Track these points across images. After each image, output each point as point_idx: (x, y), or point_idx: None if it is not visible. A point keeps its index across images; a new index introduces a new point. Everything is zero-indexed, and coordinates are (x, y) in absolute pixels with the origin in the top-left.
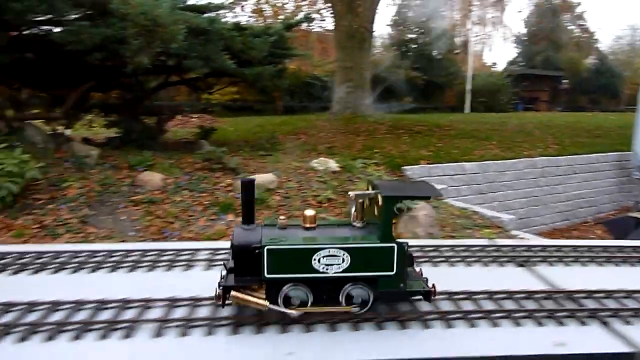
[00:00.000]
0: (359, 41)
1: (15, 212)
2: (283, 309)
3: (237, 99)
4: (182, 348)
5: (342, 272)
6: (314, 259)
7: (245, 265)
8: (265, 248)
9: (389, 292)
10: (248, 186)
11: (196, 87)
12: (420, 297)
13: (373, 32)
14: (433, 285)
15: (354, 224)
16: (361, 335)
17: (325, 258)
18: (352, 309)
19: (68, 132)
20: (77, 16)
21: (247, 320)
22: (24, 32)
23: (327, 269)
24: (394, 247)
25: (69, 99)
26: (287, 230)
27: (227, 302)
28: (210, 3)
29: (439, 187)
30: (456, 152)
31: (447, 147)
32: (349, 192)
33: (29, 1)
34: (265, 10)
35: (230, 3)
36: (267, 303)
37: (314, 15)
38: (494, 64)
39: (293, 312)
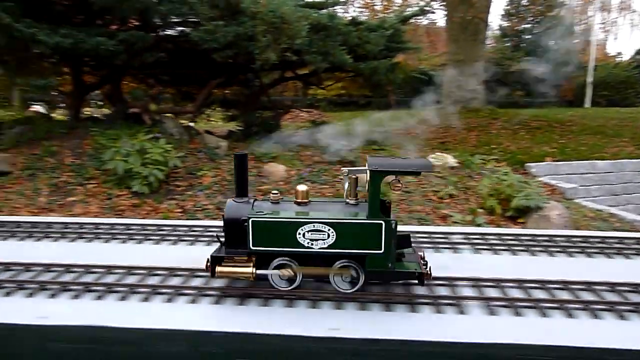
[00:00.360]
0: (472, 33)
1: (161, 197)
2: (270, 277)
3: (342, 94)
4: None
5: (328, 248)
6: (299, 233)
7: (234, 238)
8: (250, 220)
9: (377, 271)
10: (241, 160)
11: (308, 82)
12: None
13: (488, 23)
14: (429, 268)
15: (347, 200)
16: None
17: (310, 233)
18: (340, 288)
19: (192, 125)
20: (211, 16)
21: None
22: (161, 34)
23: (312, 244)
24: (381, 223)
25: (199, 95)
26: (279, 205)
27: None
28: None
29: (568, 186)
30: (584, 150)
31: (573, 143)
32: (342, 168)
33: (173, 4)
34: (374, 5)
35: None
36: (253, 271)
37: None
38: (619, 54)
39: (281, 282)
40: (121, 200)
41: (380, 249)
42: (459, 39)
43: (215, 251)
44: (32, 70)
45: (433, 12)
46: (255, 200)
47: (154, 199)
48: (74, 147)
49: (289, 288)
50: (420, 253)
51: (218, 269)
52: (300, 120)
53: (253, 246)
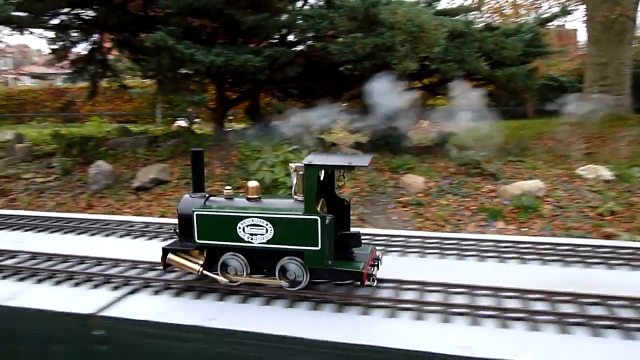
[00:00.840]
0: (617, 33)
1: None
2: (213, 275)
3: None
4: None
5: (267, 243)
6: (239, 228)
7: (185, 230)
8: (195, 213)
9: (316, 269)
10: (197, 156)
11: (435, 92)
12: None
13: (636, 21)
14: (372, 269)
15: (295, 197)
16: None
17: (249, 227)
18: (282, 284)
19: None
20: (349, 29)
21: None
22: (296, 49)
23: (251, 239)
24: (316, 219)
25: (331, 107)
26: (231, 201)
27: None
28: (461, 6)
29: None
30: None
31: None
32: (289, 164)
33: (313, 19)
34: (503, 9)
35: (477, 4)
36: (199, 268)
37: (558, 9)
38: None
39: (223, 280)
40: None
41: (317, 246)
42: (601, 39)
43: (170, 244)
44: (181, 88)
45: (571, 13)
46: (211, 195)
47: None
48: (222, 159)
49: (235, 284)
50: (378, 254)
51: (170, 256)
52: (421, 130)
53: (198, 239)
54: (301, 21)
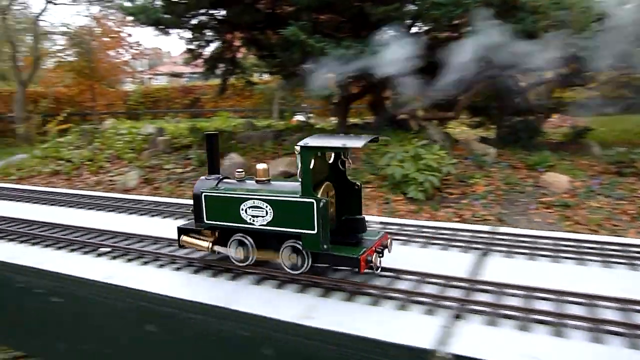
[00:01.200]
0: None
1: (436, 204)
2: (222, 250)
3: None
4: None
5: (267, 225)
6: (242, 209)
7: (197, 211)
8: (203, 194)
9: (313, 253)
10: (211, 140)
11: (570, 83)
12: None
13: None
14: (373, 256)
15: (300, 179)
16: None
17: (251, 209)
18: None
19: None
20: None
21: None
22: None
23: (253, 221)
24: (312, 202)
25: (461, 102)
26: (241, 183)
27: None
28: None
29: None
30: None
31: None
32: (295, 145)
33: (446, 7)
34: None
35: None
36: (208, 244)
37: None
38: None
39: (233, 255)
40: (398, 205)
41: (314, 229)
42: None
43: (185, 224)
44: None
45: None
46: (225, 177)
47: (430, 205)
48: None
49: (244, 264)
50: (386, 242)
51: (183, 238)
52: (550, 125)
53: (207, 220)
54: (435, 10)
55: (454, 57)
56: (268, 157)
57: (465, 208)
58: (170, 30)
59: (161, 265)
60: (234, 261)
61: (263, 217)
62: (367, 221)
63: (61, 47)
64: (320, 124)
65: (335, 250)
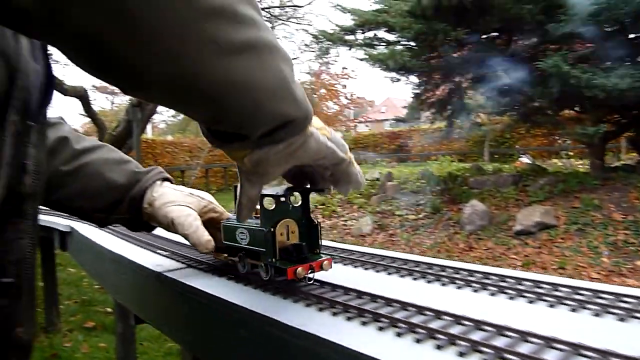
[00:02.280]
0: None
1: None
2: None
3: None
4: None
5: (248, 244)
6: (236, 234)
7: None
8: (222, 224)
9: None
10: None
11: None
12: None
13: None
14: (303, 270)
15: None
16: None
17: (240, 234)
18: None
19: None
20: None
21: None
22: None
23: (241, 241)
24: (262, 230)
25: None
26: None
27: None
28: None
29: None
30: None
31: None
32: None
33: None
34: None
35: None
36: (225, 255)
37: None
38: None
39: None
40: None
41: (264, 248)
42: None
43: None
44: (560, 120)
45: None
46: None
47: None
48: (618, 201)
49: (243, 272)
50: (325, 264)
51: (214, 252)
52: None
53: (223, 240)
54: None
55: None
56: (511, 205)
57: None
58: (410, 76)
59: None
60: (240, 270)
61: (246, 239)
62: (304, 246)
63: None
64: (567, 167)
65: (279, 264)
